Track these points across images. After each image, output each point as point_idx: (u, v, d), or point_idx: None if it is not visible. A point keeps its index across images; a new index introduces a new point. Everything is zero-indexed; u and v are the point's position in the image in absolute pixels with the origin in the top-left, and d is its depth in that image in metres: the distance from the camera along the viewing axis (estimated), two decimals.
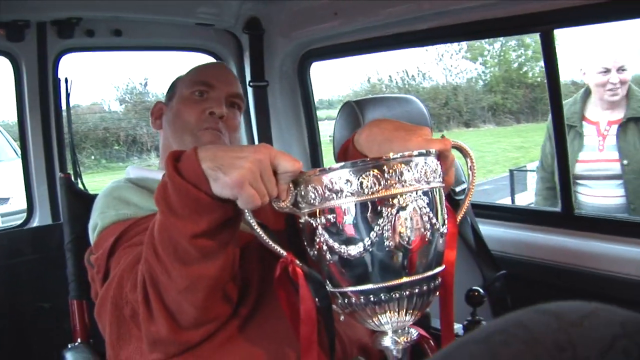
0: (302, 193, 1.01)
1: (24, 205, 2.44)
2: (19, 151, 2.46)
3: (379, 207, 0.95)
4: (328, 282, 1.04)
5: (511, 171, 6.51)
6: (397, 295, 0.98)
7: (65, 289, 1.74)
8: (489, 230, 2.40)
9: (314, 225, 1.00)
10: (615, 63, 2.78)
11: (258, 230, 1.03)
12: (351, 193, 0.95)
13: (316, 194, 0.98)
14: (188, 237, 0.99)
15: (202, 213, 0.98)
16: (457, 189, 2.16)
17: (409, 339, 1.05)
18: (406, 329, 1.05)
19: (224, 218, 1.00)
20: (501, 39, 15.11)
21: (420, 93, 16.26)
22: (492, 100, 16.55)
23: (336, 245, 0.98)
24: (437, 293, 1.07)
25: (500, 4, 2.07)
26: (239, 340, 1.20)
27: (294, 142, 2.96)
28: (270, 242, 1.05)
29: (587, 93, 2.91)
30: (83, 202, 1.73)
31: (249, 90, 2.84)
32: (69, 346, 1.63)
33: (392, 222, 0.95)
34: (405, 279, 0.98)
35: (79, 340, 1.66)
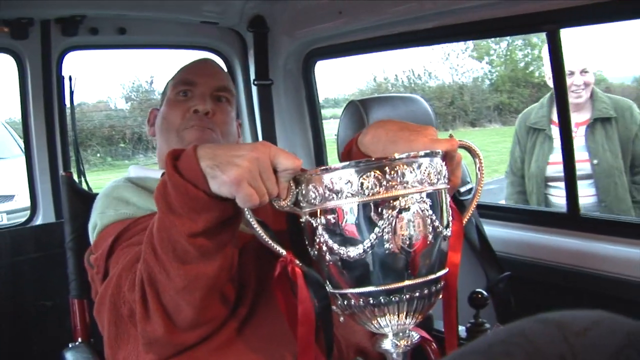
0: (303, 192, 1.00)
1: (29, 203, 2.43)
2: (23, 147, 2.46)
3: (379, 209, 0.93)
4: (328, 283, 1.02)
5: None
6: (397, 298, 0.97)
7: (68, 287, 1.73)
8: (494, 230, 2.38)
9: (314, 225, 0.99)
10: (578, 66, 2.84)
11: (257, 228, 1.02)
12: (351, 194, 0.94)
13: (317, 194, 0.97)
14: (187, 235, 0.98)
15: (200, 212, 0.97)
16: (462, 189, 2.15)
17: (409, 342, 1.03)
18: (407, 332, 1.03)
19: (223, 217, 0.99)
20: (507, 38, 15.08)
21: (426, 92, 16.24)
22: (498, 99, 16.50)
23: (336, 246, 0.96)
24: (440, 296, 1.05)
25: (506, 3, 2.05)
26: (236, 342, 1.20)
27: (298, 141, 2.95)
28: (270, 241, 1.04)
29: (552, 98, 2.94)
30: (84, 200, 1.72)
31: (254, 89, 2.83)
32: (70, 346, 1.62)
33: (393, 224, 0.93)
34: (405, 282, 0.96)
35: (79, 339, 1.66)
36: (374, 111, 2.03)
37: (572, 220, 2.24)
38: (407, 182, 0.94)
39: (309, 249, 1.03)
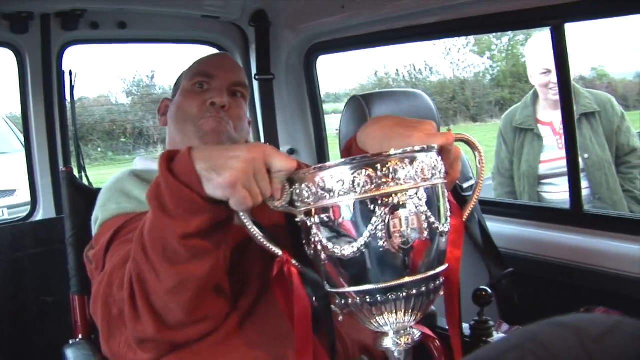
0: (298, 192, 0.99)
1: (29, 198, 2.42)
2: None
3: (372, 206, 0.93)
4: (326, 282, 1.02)
5: None
6: (394, 296, 0.96)
7: (69, 283, 1.72)
8: (497, 227, 2.37)
9: (309, 224, 0.99)
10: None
11: (252, 230, 1.02)
12: (344, 192, 0.94)
13: (310, 193, 0.97)
14: (179, 237, 0.98)
15: (194, 213, 0.97)
16: (465, 185, 2.14)
17: (410, 340, 1.02)
18: (408, 329, 1.02)
19: (217, 219, 0.99)
20: (509, 33, 15.05)
21: (428, 87, 16.24)
22: (500, 94, 16.49)
23: (330, 244, 0.96)
24: (440, 293, 1.04)
25: None
26: (237, 338, 1.19)
27: (300, 136, 2.94)
28: (265, 242, 1.04)
29: (536, 95, 3.04)
30: (85, 196, 1.71)
31: (255, 83, 2.82)
32: (70, 342, 1.61)
33: (386, 222, 0.93)
34: (404, 280, 0.95)
35: (80, 336, 1.65)
36: (377, 106, 2.02)
37: (575, 216, 2.23)
38: (399, 179, 0.93)
39: (306, 248, 1.02)
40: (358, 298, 0.97)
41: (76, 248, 1.68)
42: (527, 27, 2.98)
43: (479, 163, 1.15)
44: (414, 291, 0.97)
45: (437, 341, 1.31)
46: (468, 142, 1.13)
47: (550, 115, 2.97)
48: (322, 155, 2.94)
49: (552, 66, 2.79)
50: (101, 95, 14.45)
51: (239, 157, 0.95)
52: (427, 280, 0.98)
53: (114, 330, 1.22)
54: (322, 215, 0.96)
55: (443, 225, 0.99)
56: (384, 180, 0.93)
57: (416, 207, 0.94)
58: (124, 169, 1.55)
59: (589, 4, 1.91)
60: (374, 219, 0.92)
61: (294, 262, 1.04)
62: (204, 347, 1.17)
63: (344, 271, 0.97)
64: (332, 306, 1.04)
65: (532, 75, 3.01)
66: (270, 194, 0.99)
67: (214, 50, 2.79)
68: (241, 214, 0.99)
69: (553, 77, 2.87)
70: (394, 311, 0.98)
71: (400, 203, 0.93)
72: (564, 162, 2.28)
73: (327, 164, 0.96)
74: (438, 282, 1.02)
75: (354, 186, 0.93)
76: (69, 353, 1.53)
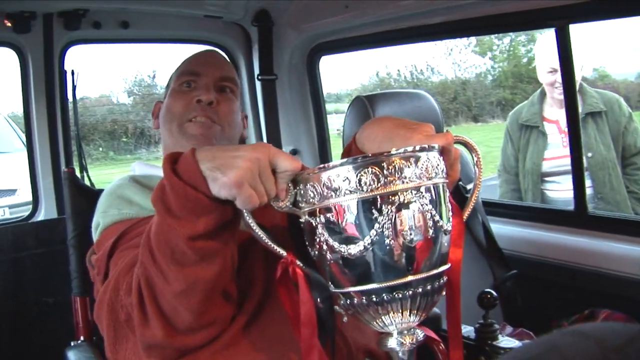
0: (302, 192, 0.99)
1: (31, 197, 2.42)
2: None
3: (378, 205, 0.92)
4: (330, 283, 1.01)
5: None
6: (400, 295, 0.96)
7: (70, 284, 1.72)
8: (500, 228, 2.37)
9: (314, 224, 0.98)
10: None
11: (257, 230, 1.02)
12: (350, 191, 0.93)
13: (315, 193, 0.97)
14: (186, 238, 0.97)
15: (200, 214, 0.96)
16: (469, 187, 2.12)
17: (414, 340, 1.02)
18: (412, 329, 1.02)
19: (223, 220, 0.99)
20: (511, 34, 15.04)
21: (429, 87, 16.23)
22: (501, 95, 16.48)
23: (336, 244, 0.95)
24: (443, 293, 1.04)
25: None
26: (241, 343, 1.18)
27: (302, 136, 2.93)
28: (270, 243, 1.03)
29: (543, 94, 3.05)
30: (87, 197, 1.71)
31: (258, 84, 2.81)
32: (72, 344, 1.61)
33: (393, 220, 0.92)
34: (408, 278, 0.95)
35: (81, 338, 1.64)
36: (380, 107, 2.01)
37: (579, 218, 2.22)
38: (405, 177, 0.93)
39: (310, 249, 1.02)
40: (364, 298, 0.97)
41: (78, 249, 1.67)
42: (532, 28, 2.98)
43: (476, 165, 1.15)
44: (420, 289, 0.97)
45: (442, 344, 1.30)
46: (466, 144, 1.13)
47: (556, 114, 2.97)
48: (324, 156, 2.93)
49: (558, 65, 2.85)
50: (102, 94, 14.44)
51: (244, 156, 0.95)
52: (431, 279, 0.98)
53: (121, 337, 1.22)
54: (328, 215, 0.96)
55: (446, 223, 0.99)
56: (390, 178, 0.92)
57: (422, 206, 0.94)
58: (123, 175, 1.54)
59: (593, 5, 1.90)
60: (380, 218, 0.92)
61: (298, 263, 1.04)
62: (209, 353, 1.16)
63: (349, 271, 0.97)
64: (336, 307, 1.04)
65: (540, 73, 3.01)
66: (275, 194, 0.99)
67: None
68: (246, 215, 0.99)
69: (559, 77, 2.87)
70: (400, 310, 0.98)
71: (406, 201, 0.93)
72: (568, 160, 2.28)
73: (332, 163, 0.95)
74: (442, 281, 1.01)
75: (360, 185, 0.92)
76: (71, 355, 1.53)
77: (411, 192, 0.94)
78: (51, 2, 2.21)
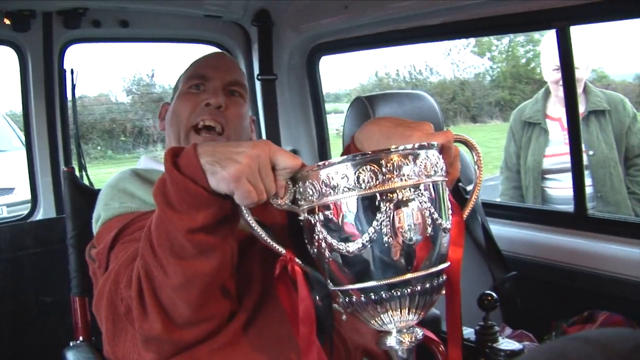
0: (301, 190, 1.00)
1: (29, 196, 2.41)
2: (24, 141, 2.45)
3: (377, 202, 0.93)
4: (329, 281, 1.02)
5: None
6: (399, 293, 0.96)
7: (68, 283, 1.71)
8: (500, 230, 2.37)
9: (313, 222, 0.98)
10: None
11: (256, 228, 1.02)
12: (348, 188, 0.94)
13: (314, 190, 0.97)
14: (185, 231, 0.98)
15: (199, 208, 0.97)
16: (468, 188, 2.12)
17: (413, 338, 1.02)
18: (411, 328, 1.03)
19: (222, 214, 1.00)
20: (509, 34, 15.05)
21: (428, 88, 16.25)
22: (500, 95, 16.50)
23: (335, 241, 0.96)
24: (442, 292, 1.04)
25: (515, 0, 2.03)
26: (240, 342, 1.18)
27: (302, 136, 2.93)
28: (269, 240, 1.04)
29: (548, 92, 3.05)
30: (86, 196, 1.70)
31: (257, 83, 2.81)
32: (71, 344, 1.60)
33: (391, 217, 0.93)
34: (407, 276, 0.95)
35: (80, 338, 1.63)
36: (380, 107, 2.01)
37: (579, 220, 2.22)
38: (404, 175, 0.94)
39: (309, 247, 1.02)
40: (362, 295, 0.97)
41: (77, 249, 1.67)
42: (533, 29, 2.98)
43: (477, 164, 1.15)
44: (419, 287, 0.97)
45: (442, 346, 1.29)
46: (466, 143, 1.13)
47: (559, 111, 2.95)
48: (324, 156, 2.93)
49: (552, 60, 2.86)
50: (101, 93, 14.44)
51: (244, 152, 0.96)
52: (430, 277, 0.98)
53: (120, 330, 1.21)
54: (327, 212, 0.96)
55: (445, 221, 0.99)
56: (388, 176, 0.93)
57: (420, 203, 0.95)
58: (124, 168, 1.54)
59: (594, 6, 1.90)
60: (378, 215, 0.93)
61: (297, 260, 1.04)
62: (207, 351, 1.16)
63: (348, 268, 0.97)
64: (335, 305, 1.04)
65: (544, 71, 3.00)
66: (275, 191, 0.99)
67: (216, 50, 2.77)
68: (245, 212, 0.99)
69: None
70: (399, 309, 0.98)
71: (405, 199, 0.93)
72: (568, 158, 2.27)
73: (331, 160, 0.96)
74: (441, 280, 1.02)
75: (358, 182, 0.93)
76: (70, 355, 1.52)
77: (410, 189, 0.94)
78: (51, 1, 2.21)
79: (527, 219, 2.42)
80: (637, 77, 12.67)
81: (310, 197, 0.98)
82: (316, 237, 0.98)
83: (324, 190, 0.95)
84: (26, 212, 2.43)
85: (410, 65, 17.45)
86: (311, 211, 0.98)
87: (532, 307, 2.17)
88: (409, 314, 0.99)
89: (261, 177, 0.96)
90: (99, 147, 13.11)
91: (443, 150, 1.04)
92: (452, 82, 17.13)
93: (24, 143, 2.43)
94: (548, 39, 3.04)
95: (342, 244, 0.95)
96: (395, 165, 0.93)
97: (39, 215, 2.37)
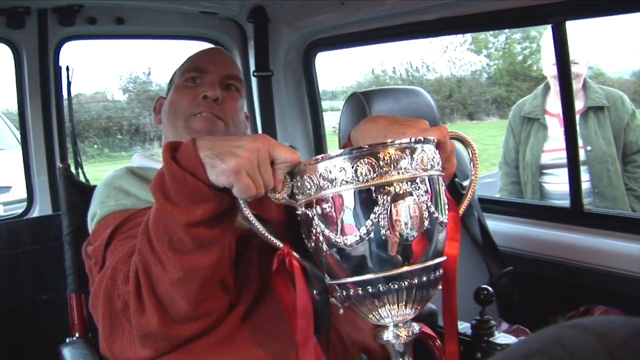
0: (298, 184, 1.00)
1: (25, 194, 2.40)
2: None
3: (374, 195, 0.94)
4: (326, 275, 1.02)
5: None
6: (396, 286, 0.97)
7: (65, 280, 1.71)
8: (496, 225, 2.37)
9: (310, 215, 0.99)
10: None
11: (254, 221, 1.03)
12: (346, 181, 0.94)
13: (312, 184, 0.98)
14: (183, 225, 0.98)
15: (198, 202, 0.98)
16: (465, 183, 2.12)
17: (410, 332, 1.03)
18: (408, 322, 1.03)
19: (220, 208, 1.00)
20: (506, 31, 15.06)
21: (424, 85, 16.23)
22: (496, 93, 16.51)
23: (332, 235, 0.96)
24: (439, 286, 1.05)
25: None
26: (237, 339, 1.18)
27: (298, 133, 2.93)
28: (267, 234, 1.04)
29: (547, 87, 3.05)
30: (82, 193, 1.70)
31: (253, 80, 2.80)
32: (67, 340, 1.60)
33: (388, 210, 0.94)
34: (403, 269, 0.96)
35: (77, 334, 1.63)
36: (376, 103, 2.01)
37: (575, 215, 2.23)
38: (400, 168, 0.95)
39: (306, 241, 1.03)
40: (360, 289, 0.98)
41: (73, 245, 1.66)
42: (529, 25, 2.97)
43: (473, 160, 1.16)
44: (415, 281, 0.97)
45: (438, 340, 1.29)
46: (462, 140, 1.15)
47: (559, 107, 2.95)
48: (320, 153, 2.91)
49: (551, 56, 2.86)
50: (97, 91, 14.40)
51: (244, 146, 0.96)
52: (427, 270, 0.99)
53: (117, 327, 1.21)
54: (324, 206, 0.97)
55: (442, 215, 1.00)
56: (385, 169, 0.94)
57: (417, 197, 0.95)
58: (120, 166, 1.54)
59: (590, 1, 1.91)
60: (376, 208, 0.93)
61: (295, 254, 1.05)
62: (204, 347, 1.16)
63: (345, 262, 0.98)
64: (332, 299, 1.04)
65: (545, 66, 3.00)
66: (273, 185, 1.00)
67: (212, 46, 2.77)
68: (242, 205, 1.00)
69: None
70: (396, 302, 0.99)
71: (402, 192, 0.94)
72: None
73: (329, 153, 0.96)
74: (438, 273, 1.02)
75: (356, 175, 0.94)
76: (66, 352, 1.52)
77: (407, 183, 0.95)
78: None
79: (523, 215, 2.42)
80: (633, 74, 12.69)
81: (308, 191, 0.98)
82: (313, 231, 0.99)
83: (321, 184, 0.96)
84: (21, 211, 2.43)
85: (406, 63, 17.46)
86: (309, 205, 0.99)
87: (528, 302, 2.18)
88: (405, 308, 1.00)
89: (260, 171, 0.97)
90: (95, 146, 13.08)
91: (439, 145, 1.05)
92: (449, 79, 17.14)
93: (20, 141, 2.42)
94: (548, 34, 3.05)
95: (340, 237, 0.96)
96: (393, 159, 0.94)
97: (35, 213, 2.37)
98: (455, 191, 1.96)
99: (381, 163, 0.94)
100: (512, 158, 3.10)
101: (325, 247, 0.98)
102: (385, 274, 0.96)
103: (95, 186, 1.56)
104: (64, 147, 2.38)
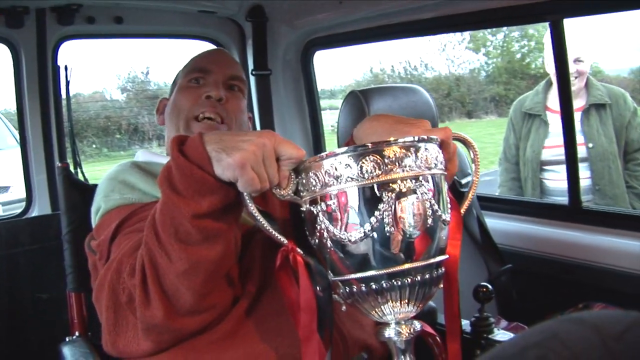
0: (303, 181, 1.01)
1: (24, 194, 2.41)
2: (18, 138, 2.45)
3: (378, 192, 0.94)
4: (329, 271, 1.03)
5: None
6: (399, 283, 0.97)
7: (64, 280, 1.71)
8: (495, 223, 2.37)
9: (315, 212, 1.00)
10: (571, 55, 2.83)
11: (258, 217, 1.03)
12: (351, 178, 0.95)
13: (317, 181, 0.98)
14: (190, 217, 0.99)
15: (204, 194, 0.99)
16: (463, 181, 2.13)
17: (412, 330, 1.04)
18: (409, 320, 1.04)
19: (226, 201, 1.01)
20: (504, 29, 15.07)
21: (423, 83, 16.22)
22: (495, 91, 16.52)
23: (336, 231, 0.97)
24: (440, 284, 1.06)
25: None
26: (239, 335, 1.19)
27: (296, 131, 2.93)
28: (271, 230, 1.05)
29: (548, 84, 3.04)
30: (81, 192, 1.70)
31: (252, 79, 2.80)
32: (67, 339, 1.60)
33: (393, 208, 0.94)
34: (406, 266, 0.97)
35: (76, 333, 1.64)
36: (375, 101, 2.01)
37: (573, 212, 2.23)
38: (405, 166, 0.95)
39: (310, 238, 1.03)
40: (363, 285, 0.99)
41: (73, 244, 1.67)
42: (527, 23, 2.98)
43: (474, 162, 1.17)
44: (418, 278, 0.98)
45: (438, 337, 1.30)
46: (464, 141, 1.16)
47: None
48: (318, 152, 2.91)
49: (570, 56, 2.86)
50: (96, 91, 14.39)
51: (250, 140, 0.97)
52: (429, 268, 1.00)
53: (121, 319, 1.21)
54: (329, 202, 0.97)
55: (444, 213, 1.01)
56: (390, 167, 0.95)
57: (421, 195, 0.96)
58: (124, 161, 1.54)
59: None
60: (380, 205, 0.94)
61: (299, 250, 1.05)
62: (206, 342, 1.16)
63: (349, 258, 0.98)
64: (335, 296, 1.05)
65: (548, 63, 2.99)
66: (278, 181, 1.01)
67: (211, 46, 2.77)
68: (247, 200, 1.01)
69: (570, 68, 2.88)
70: (398, 299, 1.00)
71: (406, 190, 0.95)
72: None
73: (334, 150, 0.98)
74: (440, 271, 1.03)
75: (361, 172, 0.95)
76: (66, 350, 1.52)
77: (411, 180, 0.96)
78: None
79: (522, 212, 2.43)
80: (632, 71, 12.70)
81: (313, 188, 0.99)
82: (318, 228, 1.00)
83: (326, 181, 0.97)
84: (20, 211, 2.43)
85: (405, 61, 17.46)
86: (313, 202, 1.00)
87: (527, 299, 2.18)
88: (407, 305, 1.01)
89: (265, 166, 0.98)
90: (94, 145, 13.07)
91: (442, 146, 1.06)
92: (447, 77, 17.15)
93: (19, 141, 2.42)
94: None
95: (344, 233, 0.97)
96: (397, 157, 0.95)
97: (34, 212, 2.36)
98: (455, 189, 1.96)
99: (386, 160, 0.95)
100: (512, 154, 3.11)
101: (329, 243, 0.99)
102: (389, 270, 0.97)
103: (94, 185, 1.56)
104: (62, 146, 2.38)
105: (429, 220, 0.97)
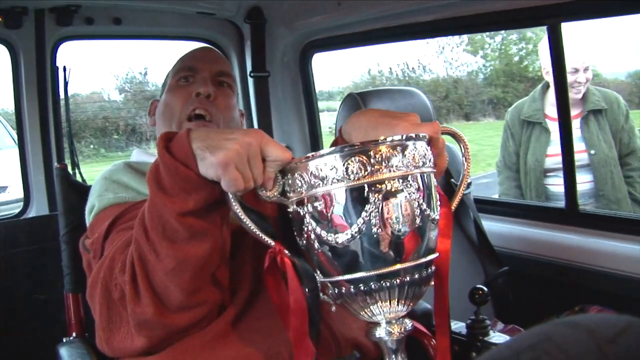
0: (290, 182, 1.00)
1: (22, 194, 2.40)
2: (16, 139, 2.44)
3: (365, 193, 0.94)
4: (318, 273, 1.02)
5: None
6: (388, 283, 0.97)
7: (62, 280, 1.71)
8: (492, 225, 2.38)
9: (302, 213, 0.99)
10: (582, 64, 2.91)
11: (243, 217, 1.03)
12: (337, 179, 0.95)
13: (303, 182, 0.98)
14: (177, 214, 1.00)
15: (190, 191, 0.99)
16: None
17: (403, 329, 1.03)
18: (400, 319, 1.04)
19: (212, 199, 1.01)
20: (502, 32, 15.06)
21: (421, 85, 16.22)
22: (493, 93, 16.50)
23: (324, 233, 0.97)
24: (431, 282, 1.06)
25: None
26: (231, 337, 1.19)
27: (294, 133, 2.93)
28: (257, 231, 1.04)
29: (544, 90, 3.03)
30: (79, 193, 1.70)
31: (250, 80, 2.80)
32: (64, 340, 1.60)
33: (380, 208, 0.94)
34: (396, 267, 0.96)
35: (74, 334, 1.64)
36: (373, 103, 2.01)
37: (570, 215, 2.23)
38: (392, 166, 0.95)
39: (298, 239, 1.03)
40: (352, 286, 0.98)
41: (70, 245, 1.67)
42: (524, 26, 2.98)
43: (465, 154, 1.16)
44: (407, 278, 0.98)
45: (433, 339, 1.30)
46: (453, 135, 1.15)
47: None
48: None
49: (578, 65, 2.89)
50: (94, 91, 14.35)
51: (236, 139, 0.96)
52: (419, 268, 0.99)
53: (114, 316, 1.21)
54: (315, 204, 0.97)
55: (433, 212, 1.00)
56: (376, 167, 0.94)
57: (409, 194, 0.96)
58: (118, 161, 1.55)
59: (585, 3, 1.91)
60: (367, 206, 0.94)
61: (286, 252, 1.05)
62: (198, 344, 1.17)
63: (337, 260, 0.98)
64: (325, 297, 1.05)
65: (545, 69, 2.99)
66: (262, 181, 1.00)
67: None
68: (232, 200, 1.00)
69: (579, 77, 2.92)
70: (388, 299, 0.99)
71: (393, 190, 0.94)
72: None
73: (320, 152, 0.96)
74: (430, 270, 1.03)
75: (347, 173, 0.94)
76: (63, 351, 1.52)
77: (398, 180, 0.95)
78: None
79: (519, 215, 2.43)
80: (629, 75, 12.70)
81: (299, 189, 0.99)
82: (305, 229, 0.99)
83: (312, 182, 0.96)
84: (18, 211, 2.42)
85: (403, 64, 17.43)
86: (300, 203, 0.99)
87: (524, 302, 2.19)
88: (398, 305, 1.00)
89: (250, 166, 0.97)
90: (91, 146, 13.04)
91: (431, 141, 1.05)
92: (445, 80, 17.12)
93: (17, 141, 2.42)
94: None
95: (331, 235, 0.96)
96: (384, 157, 0.94)
97: (32, 213, 2.36)
98: (451, 191, 1.96)
99: (372, 161, 0.94)
100: (512, 162, 3.09)
101: (316, 245, 0.98)
102: (378, 271, 0.96)
103: (92, 185, 1.56)
104: (60, 147, 2.38)
105: (418, 220, 0.97)
